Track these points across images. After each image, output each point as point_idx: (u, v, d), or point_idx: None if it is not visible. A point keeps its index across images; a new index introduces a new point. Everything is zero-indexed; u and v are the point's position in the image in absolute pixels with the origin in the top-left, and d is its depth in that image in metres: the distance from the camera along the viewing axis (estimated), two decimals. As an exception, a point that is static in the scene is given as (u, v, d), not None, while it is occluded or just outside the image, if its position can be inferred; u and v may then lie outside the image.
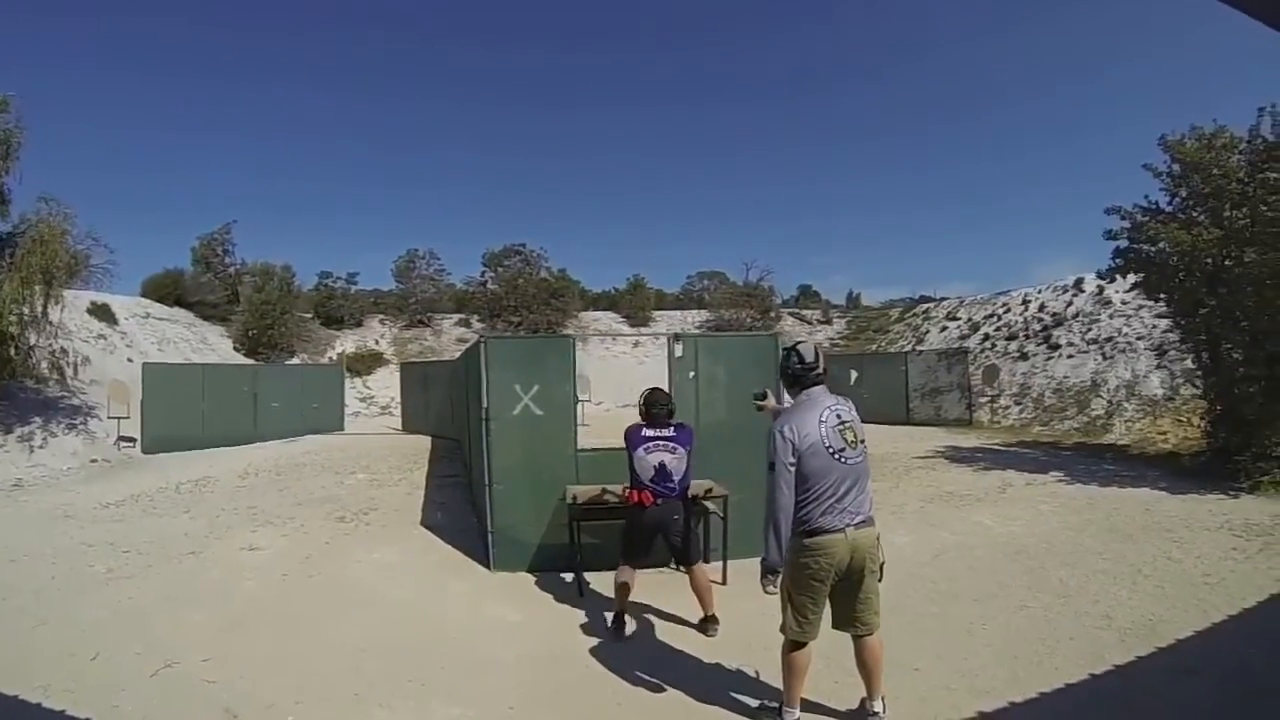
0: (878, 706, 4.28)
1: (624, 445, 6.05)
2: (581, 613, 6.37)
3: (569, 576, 7.22)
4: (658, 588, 6.72)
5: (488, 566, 7.61)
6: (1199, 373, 13.01)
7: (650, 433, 5.97)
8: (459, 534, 9.03)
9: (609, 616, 6.05)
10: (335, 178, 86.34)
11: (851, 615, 4.19)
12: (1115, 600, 6.39)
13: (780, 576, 4.08)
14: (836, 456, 3.99)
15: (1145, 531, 8.59)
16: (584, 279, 42.02)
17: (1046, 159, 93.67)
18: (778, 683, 4.45)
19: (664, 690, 4.87)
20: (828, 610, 4.21)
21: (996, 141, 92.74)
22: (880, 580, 4.18)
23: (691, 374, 7.70)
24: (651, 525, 5.91)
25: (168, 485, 12.98)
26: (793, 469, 3.98)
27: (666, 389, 6.41)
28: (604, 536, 7.19)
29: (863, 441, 4.15)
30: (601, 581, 6.89)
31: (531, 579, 7.30)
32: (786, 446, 3.99)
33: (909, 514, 9.68)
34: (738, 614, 6.12)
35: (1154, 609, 6.14)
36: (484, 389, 7.45)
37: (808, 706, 4.37)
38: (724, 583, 6.97)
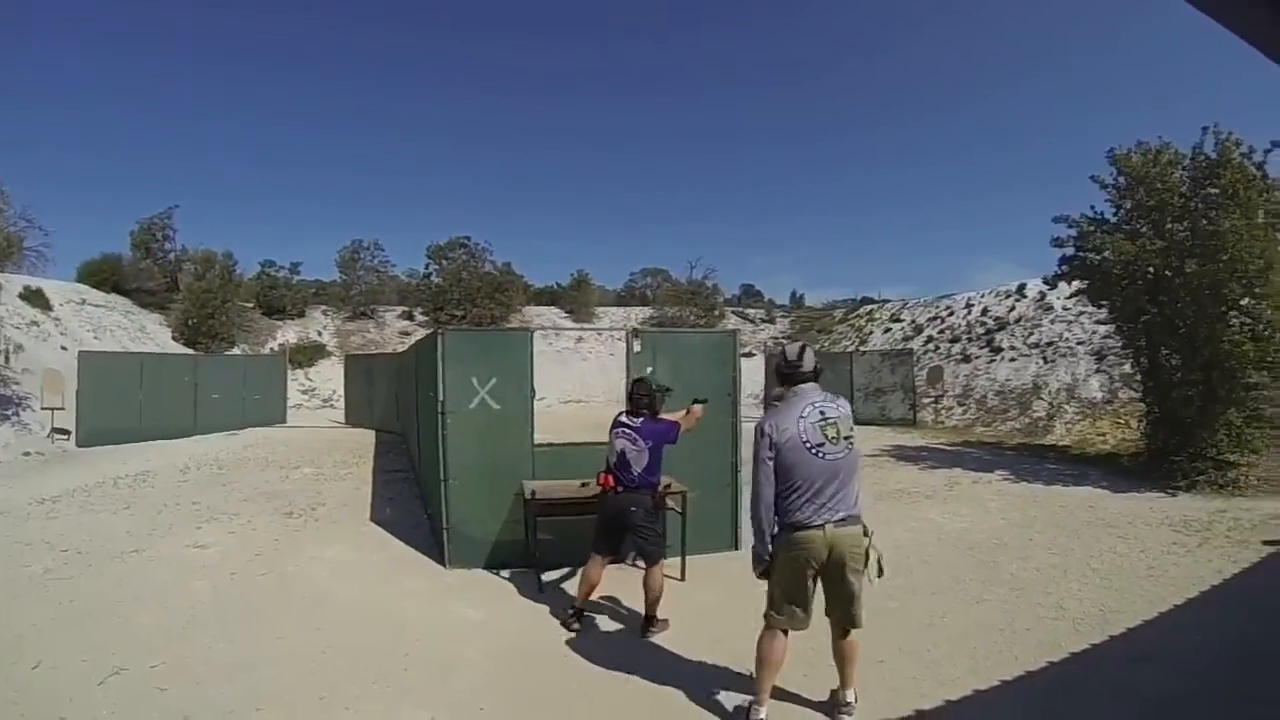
0: (849, 696, 4.34)
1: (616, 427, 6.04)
2: (543, 610, 6.28)
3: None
4: (624, 583, 6.70)
5: (442, 563, 7.49)
6: (1138, 377, 13.43)
7: (624, 419, 5.95)
8: (410, 530, 8.92)
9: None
10: (280, 164, 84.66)
11: (834, 609, 4.27)
12: (1066, 592, 6.57)
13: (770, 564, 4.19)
14: (815, 452, 4.05)
15: (1090, 528, 8.86)
16: (528, 274, 42.00)
17: (985, 166, 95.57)
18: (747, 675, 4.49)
19: (634, 686, 4.84)
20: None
21: (938, 148, 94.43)
22: (881, 575, 4.27)
23: (650, 369, 7.67)
24: (610, 512, 5.88)
25: (105, 480, 12.59)
26: (770, 463, 4.08)
27: (640, 382, 6.28)
28: (561, 532, 7.16)
29: (847, 438, 4.15)
30: (559, 579, 6.96)
31: (488, 576, 7.19)
32: (764, 441, 4.11)
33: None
34: (698, 609, 6.17)
35: (1104, 600, 6.34)
36: (440, 382, 7.34)
37: (779, 695, 4.42)
38: (683, 579, 6.96)
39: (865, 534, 4.20)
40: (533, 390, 7.67)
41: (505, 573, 7.21)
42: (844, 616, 4.24)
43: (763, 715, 4.20)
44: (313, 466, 14.05)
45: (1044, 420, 18.21)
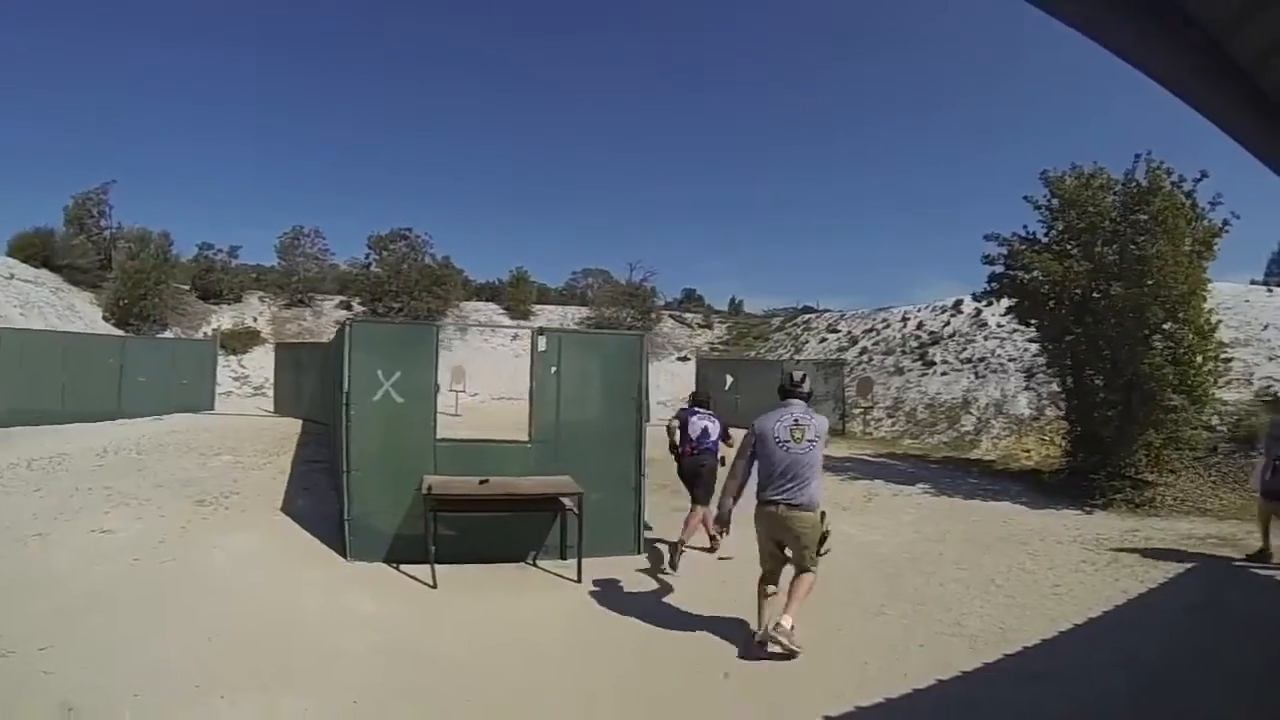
0: (785, 622, 5.31)
1: (674, 418, 8.57)
2: (434, 604, 6.32)
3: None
4: (514, 582, 6.79)
5: (345, 556, 7.42)
6: (1063, 395, 13.60)
7: (700, 414, 8.39)
8: (320, 521, 8.72)
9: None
10: (221, 140, 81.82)
11: (793, 556, 5.57)
12: (967, 609, 6.56)
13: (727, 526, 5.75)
14: (782, 446, 5.47)
15: (1002, 543, 8.90)
16: (470, 268, 42.09)
17: (931, 180, 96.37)
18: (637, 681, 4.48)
19: (505, 683, 4.88)
20: None
21: (884, 160, 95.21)
22: (825, 553, 5.64)
23: (554, 369, 7.76)
24: (690, 468, 8.15)
25: (19, 461, 12.06)
26: (750, 450, 5.63)
27: (699, 390, 9.73)
28: (461, 528, 7.16)
29: (811, 440, 5.49)
30: (456, 575, 6.88)
31: (387, 569, 7.16)
32: (750, 434, 5.68)
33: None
34: (594, 613, 6.22)
35: (1004, 618, 6.34)
36: (345, 372, 7.33)
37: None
38: (579, 580, 6.99)
39: (821, 519, 5.53)
40: (437, 385, 7.72)
41: (405, 567, 7.15)
42: (796, 564, 5.55)
43: (761, 635, 5.39)
44: (233, 454, 13.68)
45: (971, 434, 18.35)
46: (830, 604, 6.62)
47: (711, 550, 7.97)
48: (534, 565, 7.32)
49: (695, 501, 7.88)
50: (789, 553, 5.56)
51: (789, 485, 5.39)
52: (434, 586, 6.70)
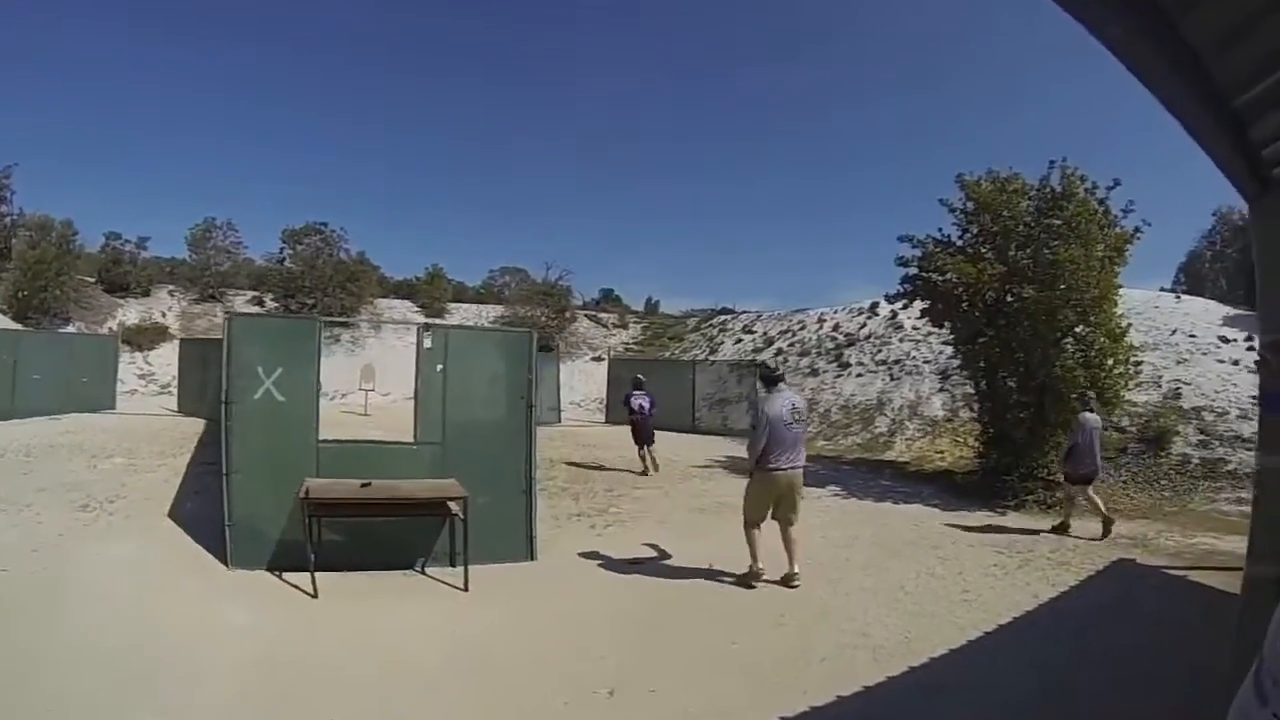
0: (795, 569, 7.07)
1: (624, 399, 14.51)
2: (313, 615, 6.03)
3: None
4: (399, 591, 6.55)
5: (226, 563, 7.04)
6: (976, 397, 13.70)
7: (638, 394, 14.06)
8: (206, 526, 8.18)
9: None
10: (130, 128, 78.36)
11: (783, 514, 7.22)
12: (873, 618, 6.33)
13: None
14: (787, 427, 7.01)
15: (911, 547, 8.76)
16: (386, 265, 41.83)
17: (855, 182, 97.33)
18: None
19: (385, 698, 4.63)
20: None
21: (807, 161, 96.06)
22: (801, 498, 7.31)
23: (439, 367, 7.54)
24: (639, 429, 13.64)
25: (-106, 469, 11.29)
26: (765, 428, 6.96)
27: (638, 377, 15.15)
28: (348, 533, 6.94)
29: (803, 420, 7.32)
30: (339, 583, 6.59)
31: (269, 578, 6.79)
32: (763, 416, 7.07)
33: (674, 524, 9.57)
34: (479, 624, 5.99)
35: (911, 627, 6.13)
36: (224, 368, 7.01)
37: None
38: (466, 589, 6.69)
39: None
40: (319, 384, 7.43)
41: (288, 575, 6.81)
42: (789, 518, 7.19)
43: (761, 567, 7.12)
44: (127, 456, 12.96)
45: (885, 436, 18.39)
46: (728, 615, 6.45)
47: (644, 474, 13.28)
48: (422, 573, 7.05)
49: (647, 443, 13.64)
50: (780, 508, 7.15)
51: (792, 454, 7.07)
52: (315, 596, 6.38)
